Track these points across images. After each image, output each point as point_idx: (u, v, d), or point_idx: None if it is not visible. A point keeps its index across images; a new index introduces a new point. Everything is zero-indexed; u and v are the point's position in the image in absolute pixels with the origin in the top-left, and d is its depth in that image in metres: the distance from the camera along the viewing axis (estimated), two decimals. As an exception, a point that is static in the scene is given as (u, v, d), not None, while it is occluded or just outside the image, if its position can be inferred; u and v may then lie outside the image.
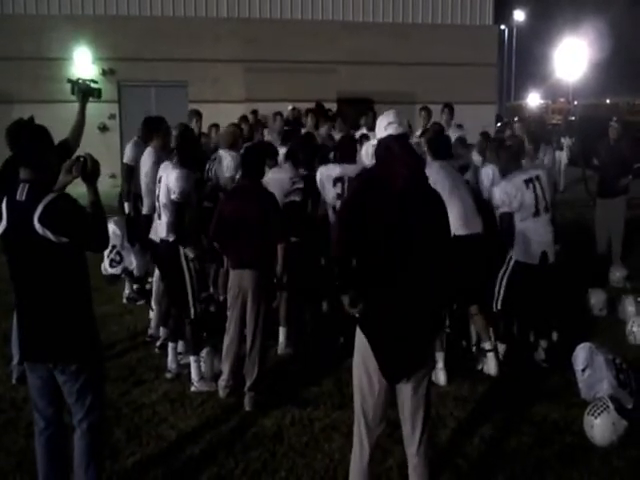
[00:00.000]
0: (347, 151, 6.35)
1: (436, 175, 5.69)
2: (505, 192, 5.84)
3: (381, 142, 3.61)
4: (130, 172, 7.64)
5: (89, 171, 3.61)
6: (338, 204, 5.85)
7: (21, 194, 3.49)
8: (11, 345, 5.79)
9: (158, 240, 5.85)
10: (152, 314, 6.89)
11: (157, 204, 5.70)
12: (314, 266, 6.36)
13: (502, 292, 5.91)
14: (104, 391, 3.93)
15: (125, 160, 7.71)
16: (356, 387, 3.65)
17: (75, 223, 3.49)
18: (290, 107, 12.63)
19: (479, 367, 6.06)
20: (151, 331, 6.74)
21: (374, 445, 3.64)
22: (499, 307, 5.94)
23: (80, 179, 3.62)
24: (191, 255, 5.54)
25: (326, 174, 6.12)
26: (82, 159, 3.61)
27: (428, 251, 3.46)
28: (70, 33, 17.71)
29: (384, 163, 3.55)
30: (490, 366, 5.95)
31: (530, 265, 5.84)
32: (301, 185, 6.33)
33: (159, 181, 5.67)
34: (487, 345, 5.99)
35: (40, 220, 3.38)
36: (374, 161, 3.73)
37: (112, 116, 17.63)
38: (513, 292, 5.90)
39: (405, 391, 3.55)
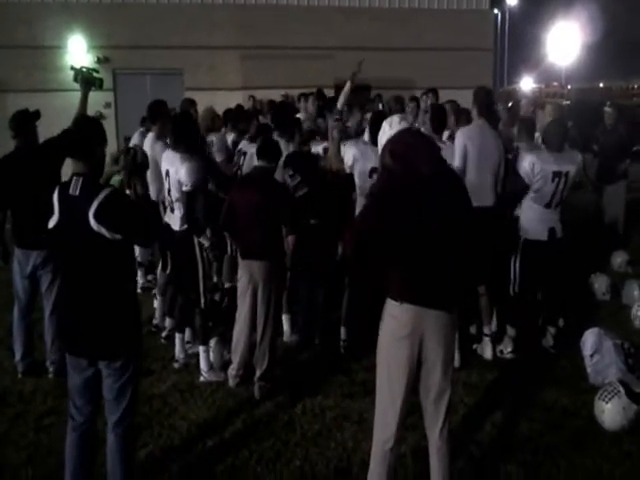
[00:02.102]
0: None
1: (469, 139, 5.81)
2: (532, 169, 5.71)
3: (397, 136, 3.59)
4: None
5: (139, 163, 3.60)
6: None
7: (75, 188, 3.44)
8: (13, 339, 5.81)
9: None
10: (156, 304, 6.88)
11: (168, 198, 5.62)
12: (331, 250, 6.27)
13: (518, 275, 5.91)
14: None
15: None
16: (382, 367, 3.60)
17: (129, 220, 3.47)
18: (282, 92, 12.63)
19: (474, 347, 6.11)
20: (156, 321, 6.72)
21: (397, 425, 3.57)
22: (516, 290, 5.94)
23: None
24: (206, 244, 5.52)
25: (362, 162, 5.76)
26: (132, 151, 3.60)
27: (454, 234, 3.48)
28: (64, 21, 17.55)
29: (405, 156, 3.51)
30: (485, 350, 6.00)
31: (539, 242, 5.83)
32: (298, 179, 6.12)
33: (167, 174, 5.57)
34: (486, 329, 6.04)
35: (96, 216, 3.33)
36: (388, 156, 3.66)
37: (108, 104, 17.51)
38: (527, 273, 5.90)
39: (434, 374, 3.53)
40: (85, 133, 3.56)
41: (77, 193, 3.42)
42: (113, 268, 3.51)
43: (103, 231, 3.36)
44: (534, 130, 6.67)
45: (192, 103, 8.50)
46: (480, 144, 5.82)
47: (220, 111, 9.25)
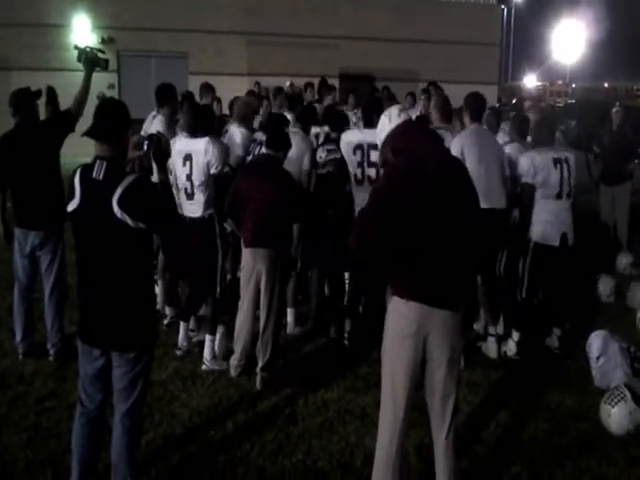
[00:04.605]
0: (370, 115, 5.84)
1: (466, 141, 5.70)
2: (532, 163, 5.71)
3: (398, 130, 3.50)
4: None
5: (163, 149, 3.53)
6: (359, 172, 5.71)
7: (98, 172, 3.33)
8: (14, 320, 5.75)
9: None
10: (157, 289, 6.81)
11: (186, 183, 5.48)
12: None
13: (526, 280, 5.85)
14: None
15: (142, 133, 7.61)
16: (387, 365, 3.55)
17: (154, 209, 3.38)
18: (288, 83, 12.57)
19: (478, 344, 6.07)
20: (158, 305, 6.65)
21: (402, 423, 3.51)
22: (524, 295, 5.89)
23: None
24: (229, 229, 5.46)
25: (347, 140, 5.88)
26: (155, 137, 3.53)
27: (461, 230, 3.40)
28: (69, 0, 17.44)
29: (408, 150, 3.44)
30: (490, 349, 5.96)
31: (550, 247, 5.78)
32: (338, 155, 6.16)
33: (187, 159, 5.44)
34: (492, 329, 5.99)
35: (119, 203, 3.24)
36: (389, 152, 3.56)
37: (111, 86, 17.42)
38: (536, 278, 5.84)
39: (439, 373, 3.47)
40: (113, 116, 3.45)
41: (101, 177, 3.32)
42: (132, 257, 3.42)
43: (126, 218, 3.26)
44: (527, 128, 6.59)
45: (211, 89, 8.44)
46: (478, 144, 5.74)
47: (224, 96, 9.22)
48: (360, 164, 5.74)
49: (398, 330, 3.46)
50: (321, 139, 7.04)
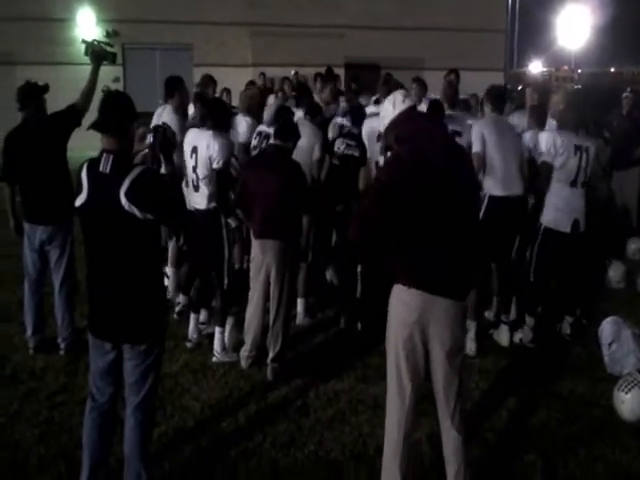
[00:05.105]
0: None
1: (486, 128, 5.73)
2: (554, 143, 5.64)
3: (402, 117, 3.47)
4: None
5: (169, 140, 3.54)
6: (381, 160, 5.67)
7: (105, 166, 3.31)
8: (24, 315, 5.76)
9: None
10: (167, 281, 6.80)
11: (192, 175, 5.49)
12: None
13: (534, 262, 5.83)
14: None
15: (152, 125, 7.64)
16: (391, 353, 3.53)
17: (162, 200, 3.37)
18: (293, 72, 12.51)
19: (490, 332, 6.05)
20: (169, 295, 6.65)
21: (409, 411, 3.50)
22: (532, 279, 5.86)
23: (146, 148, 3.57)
24: (233, 224, 5.43)
25: (370, 127, 5.83)
26: (160, 129, 3.53)
27: (465, 219, 3.40)
28: (74, -7, 17.44)
29: (412, 139, 3.40)
30: (502, 337, 5.93)
31: (561, 233, 5.75)
32: (356, 153, 6.13)
33: (193, 151, 5.44)
34: (503, 317, 5.99)
35: (127, 195, 3.22)
36: (393, 140, 3.53)
37: (116, 79, 17.41)
38: (545, 261, 5.82)
39: (440, 362, 3.46)
40: (118, 108, 3.43)
41: (107, 171, 3.31)
42: (141, 250, 3.42)
43: (134, 211, 3.25)
44: (545, 118, 6.57)
45: (212, 81, 8.45)
46: (497, 132, 5.77)
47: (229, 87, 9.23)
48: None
49: (400, 318, 3.46)
50: (345, 130, 6.98)
